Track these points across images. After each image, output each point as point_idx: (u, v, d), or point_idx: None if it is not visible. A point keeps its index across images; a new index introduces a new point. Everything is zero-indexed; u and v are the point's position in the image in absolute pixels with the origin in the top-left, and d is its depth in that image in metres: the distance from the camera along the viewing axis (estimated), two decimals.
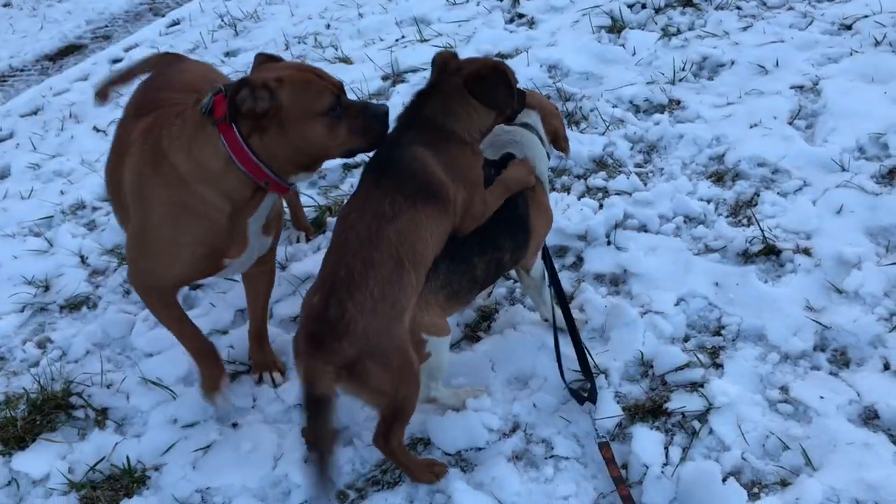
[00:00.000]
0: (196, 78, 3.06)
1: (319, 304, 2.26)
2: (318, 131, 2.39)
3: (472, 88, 2.45)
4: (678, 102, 4.20)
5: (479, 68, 2.48)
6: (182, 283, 2.78)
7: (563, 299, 2.88)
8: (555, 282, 2.91)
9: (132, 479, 2.77)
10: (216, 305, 3.48)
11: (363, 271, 2.26)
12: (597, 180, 3.75)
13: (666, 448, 2.57)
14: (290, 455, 2.73)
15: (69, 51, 7.12)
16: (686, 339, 2.94)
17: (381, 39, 5.62)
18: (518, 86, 2.61)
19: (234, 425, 2.93)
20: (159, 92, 2.92)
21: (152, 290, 2.74)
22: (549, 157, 2.88)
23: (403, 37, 5.57)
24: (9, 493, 2.84)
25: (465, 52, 5.06)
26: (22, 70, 6.86)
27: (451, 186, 2.43)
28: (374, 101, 2.94)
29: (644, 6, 5.06)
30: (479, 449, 2.66)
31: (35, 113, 5.86)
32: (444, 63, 2.56)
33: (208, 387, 2.92)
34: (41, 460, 2.90)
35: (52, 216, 4.37)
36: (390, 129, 2.52)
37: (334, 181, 4.17)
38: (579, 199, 3.65)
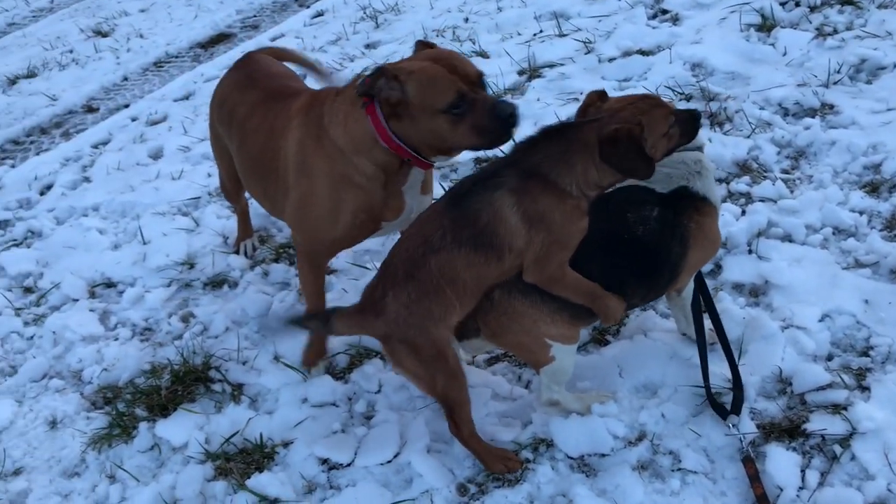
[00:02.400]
0: (284, 70, 3.49)
1: (373, 282, 2.54)
2: (440, 126, 2.51)
3: (603, 151, 2.32)
4: (831, 107, 3.97)
5: (615, 132, 2.31)
6: (343, 245, 3.04)
7: (712, 308, 2.77)
8: (703, 290, 2.80)
9: (262, 454, 2.89)
10: (348, 291, 3.57)
11: (404, 280, 2.44)
12: (739, 185, 3.60)
13: (803, 471, 2.44)
14: (414, 443, 2.77)
15: (219, 39, 7.46)
16: (829, 358, 2.78)
17: (519, 34, 5.59)
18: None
19: (361, 410, 3.00)
20: (282, 80, 3.30)
21: (311, 253, 3.00)
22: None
23: (542, 31, 5.52)
24: (152, 458, 3.02)
25: (603, 49, 4.98)
26: (177, 56, 7.24)
27: (523, 237, 2.37)
28: (506, 99, 2.90)
29: (798, 4, 4.82)
30: (604, 455, 2.62)
31: (187, 98, 6.18)
32: (588, 105, 2.49)
33: (308, 359, 3.14)
34: (181, 429, 3.06)
35: (199, 197, 4.61)
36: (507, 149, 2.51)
37: (465, 175, 4.18)
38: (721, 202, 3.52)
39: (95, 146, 5.69)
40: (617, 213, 2.53)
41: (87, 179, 5.23)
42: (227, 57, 6.74)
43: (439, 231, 2.41)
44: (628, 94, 2.64)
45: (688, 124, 2.49)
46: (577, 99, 4.54)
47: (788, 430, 2.57)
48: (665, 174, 2.58)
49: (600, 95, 2.51)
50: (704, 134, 2.85)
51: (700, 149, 2.64)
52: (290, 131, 2.86)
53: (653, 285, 2.58)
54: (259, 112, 3.09)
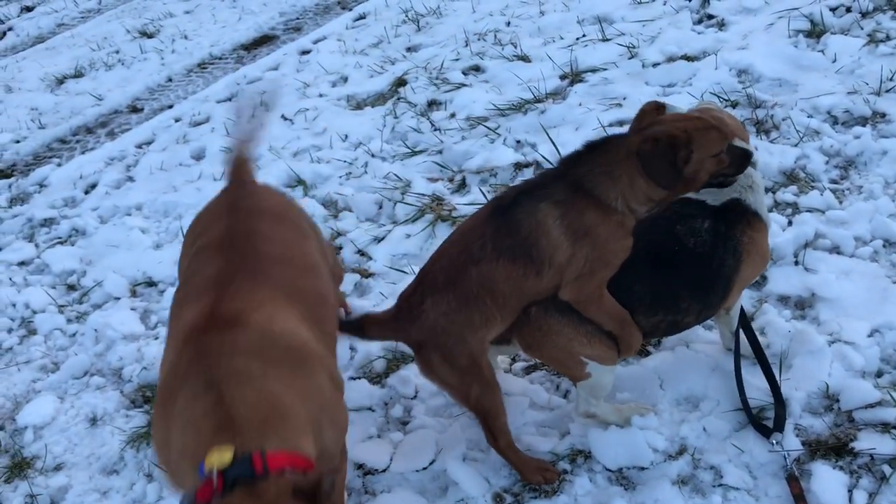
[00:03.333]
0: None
1: (410, 288, 2.52)
2: None
3: (640, 150, 2.27)
4: (883, 115, 3.87)
5: (657, 133, 2.26)
6: None
7: (747, 323, 2.73)
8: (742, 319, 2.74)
9: None
10: (387, 297, 3.56)
11: (445, 287, 2.42)
12: (786, 195, 3.52)
13: (850, 491, 2.38)
14: (451, 451, 2.75)
15: (263, 41, 7.52)
16: (879, 375, 2.70)
17: (562, 38, 5.55)
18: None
19: (397, 415, 2.98)
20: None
21: None
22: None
23: (584, 35, 5.47)
24: None
25: (647, 54, 4.91)
26: (220, 58, 7.31)
27: (564, 251, 2.33)
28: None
29: (849, 10, 4.70)
30: (643, 469, 2.57)
31: (230, 99, 6.23)
32: (642, 116, 2.40)
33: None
34: None
35: None
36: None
37: (505, 180, 4.16)
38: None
39: (139, 146, 5.77)
40: (666, 225, 2.48)
41: (130, 179, 5.30)
42: (271, 59, 6.80)
43: (480, 240, 2.38)
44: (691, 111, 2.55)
45: (738, 158, 2.40)
46: (619, 104, 4.49)
47: (835, 448, 2.50)
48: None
49: (658, 107, 2.43)
50: (751, 142, 2.78)
51: (753, 164, 2.58)
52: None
53: (707, 301, 2.51)
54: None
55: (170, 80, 7.03)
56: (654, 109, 2.41)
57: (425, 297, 2.44)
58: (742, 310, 2.73)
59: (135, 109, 6.61)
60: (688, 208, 2.51)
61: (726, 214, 2.49)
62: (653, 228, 2.45)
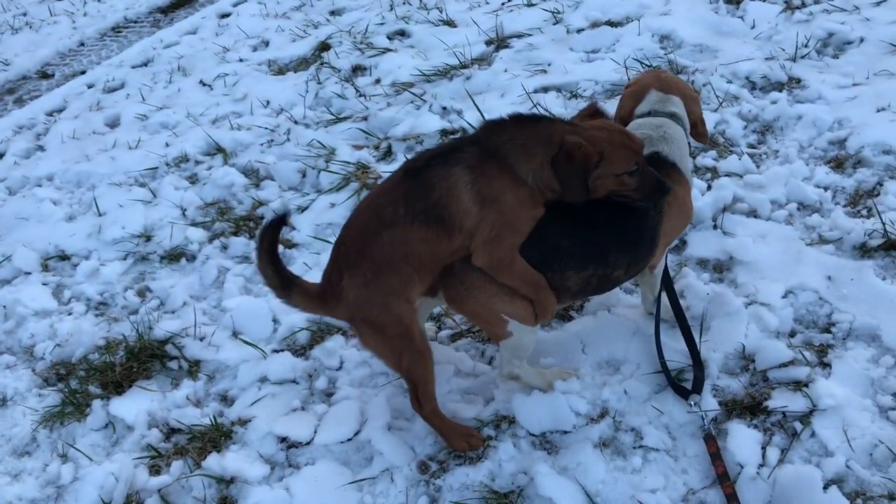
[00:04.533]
0: None
1: (329, 265, 2.49)
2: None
3: (556, 157, 2.26)
4: (798, 81, 3.95)
5: (575, 147, 2.24)
6: None
7: (670, 287, 2.76)
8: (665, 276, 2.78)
9: (220, 432, 2.83)
10: (311, 267, 3.49)
11: (356, 257, 2.39)
12: (706, 159, 3.57)
13: (763, 448, 2.44)
14: (375, 421, 2.73)
15: (180, 4, 7.26)
16: (792, 335, 2.78)
17: (487, 3, 5.51)
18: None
19: (322, 387, 2.94)
20: None
21: None
22: (690, 149, 2.73)
23: (510, 0, 5.43)
24: (105, 436, 2.95)
25: (572, 20, 4.92)
26: (135, 22, 7.04)
27: (473, 216, 2.31)
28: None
29: None
30: (565, 432, 2.60)
31: (146, 64, 6.01)
32: (584, 115, 2.45)
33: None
34: (136, 406, 2.98)
35: (156, 168, 4.48)
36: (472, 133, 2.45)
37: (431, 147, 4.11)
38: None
39: (50, 114, 5.53)
40: None
41: (40, 148, 5.07)
42: (189, 22, 6.58)
43: (392, 205, 2.34)
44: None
45: (648, 184, 2.38)
46: (544, 70, 4.48)
47: (750, 408, 2.56)
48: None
49: (595, 110, 2.46)
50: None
51: (672, 116, 2.60)
52: None
53: (635, 253, 2.52)
54: None
55: (82, 44, 6.74)
56: (587, 112, 2.42)
57: (342, 273, 2.41)
58: (667, 272, 2.76)
59: (45, 75, 6.33)
60: None
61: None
62: None
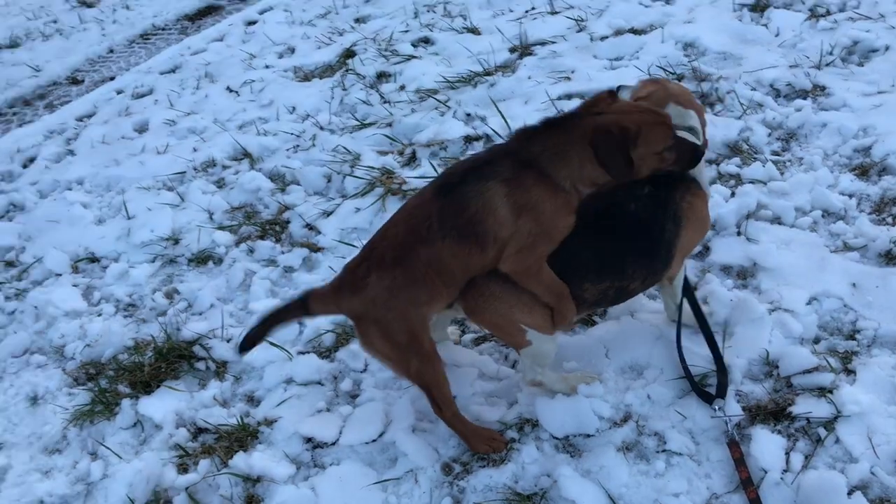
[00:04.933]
0: None
1: (356, 261, 2.50)
2: None
3: (594, 139, 2.29)
4: (823, 88, 3.95)
5: (610, 123, 2.28)
6: None
7: (691, 293, 2.77)
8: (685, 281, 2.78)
9: (246, 432, 2.87)
10: (335, 270, 3.53)
11: (391, 264, 2.40)
12: (730, 166, 3.58)
13: (787, 454, 2.44)
14: (399, 422, 2.76)
15: (208, 11, 7.36)
16: (816, 341, 2.77)
17: (511, 10, 5.54)
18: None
19: (346, 389, 2.98)
20: None
21: None
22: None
23: (534, 8, 5.47)
24: (134, 434, 3.00)
25: (595, 27, 4.93)
26: (163, 29, 7.14)
27: (509, 226, 2.33)
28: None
29: None
30: (588, 436, 2.61)
31: (174, 71, 6.10)
32: (596, 102, 2.40)
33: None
34: (164, 406, 3.04)
35: (184, 172, 4.55)
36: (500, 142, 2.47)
37: (455, 153, 4.15)
38: (710, 185, 3.49)
39: (80, 119, 5.62)
40: (608, 191, 2.50)
41: (71, 153, 5.16)
42: (216, 30, 6.66)
43: (427, 220, 2.37)
44: (641, 103, 2.56)
45: (686, 155, 2.43)
46: (568, 78, 4.50)
47: (774, 413, 2.56)
48: None
49: (611, 93, 2.44)
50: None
51: (691, 130, 2.61)
52: None
53: (651, 266, 2.54)
54: None
55: (111, 51, 6.85)
56: (606, 97, 2.41)
57: (371, 270, 2.43)
58: (686, 279, 2.77)
59: (75, 81, 6.43)
60: None
61: (665, 180, 2.51)
62: (595, 195, 2.46)
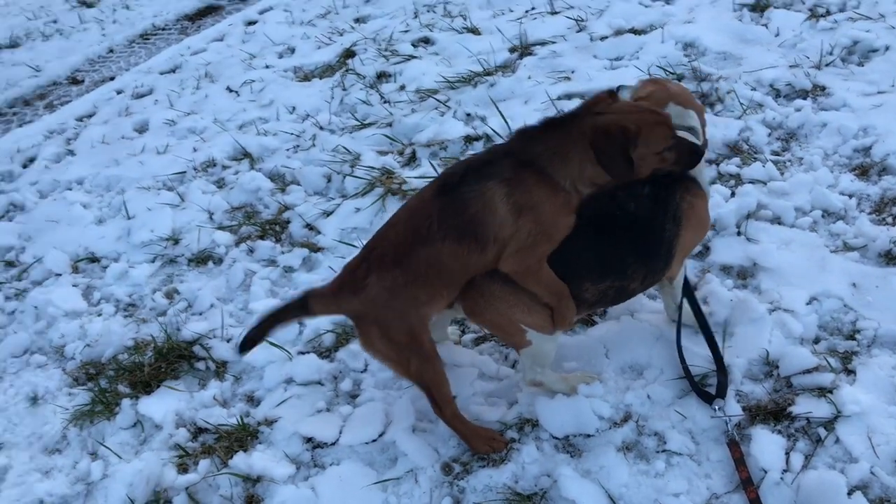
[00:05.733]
0: None
1: (356, 261, 2.50)
2: None
3: (594, 139, 2.28)
4: (823, 88, 3.95)
5: (610, 123, 2.28)
6: None
7: (691, 293, 2.77)
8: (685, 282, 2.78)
9: (246, 432, 2.87)
10: (335, 270, 3.54)
11: (391, 265, 2.41)
12: (730, 166, 3.58)
13: (787, 453, 2.44)
14: (399, 423, 2.76)
15: (207, 11, 7.36)
16: (816, 341, 2.77)
17: (511, 10, 5.54)
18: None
19: (347, 389, 2.98)
20: None
21: None
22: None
23: (534, 8, 5.47)
24: (134, 434, 3.00)
25: (595, 27, 4.93)
26: (163, 29, 7.15)
27: (509, 226, 2.33)
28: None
29: None
30: (588, 436, 2.61)
31: (173, 71, 6.10)
32: (596, 102, 2.39)
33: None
34: (164, 406, 3.03)
35: (184, 172, 4.55)
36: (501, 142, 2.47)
37: (455, 153, 4.15)
38: (710, 185, 3.49)
39: (80, 119, 5.63)
40: (608, 190, 2.50)
41: (71, 153, 5.16)
42: (216, 30, 6.66)
43: (427, 220, 2.37)
44: (641, 103, 2.56)
45: (686, 155, 2.42)
46: (568, 78, 4.50)
47: (774, 413, 2.56)
48: None
49: (610, 94, 2.43)
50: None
51: (691, 130, 2.61)
52: None
53: (651, 265, 2.54)
54: None
55: (111, 51, 6.86)
56: (606, 97, 2.40)
57: (371, 271, 2.43)
58: (686, 280, 2.77)
59: (75, 81, 6.44)
60: None
61: (665, 180, 2.51)
62: (595, 195, 2.46)
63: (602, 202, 2.46)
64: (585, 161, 2.32)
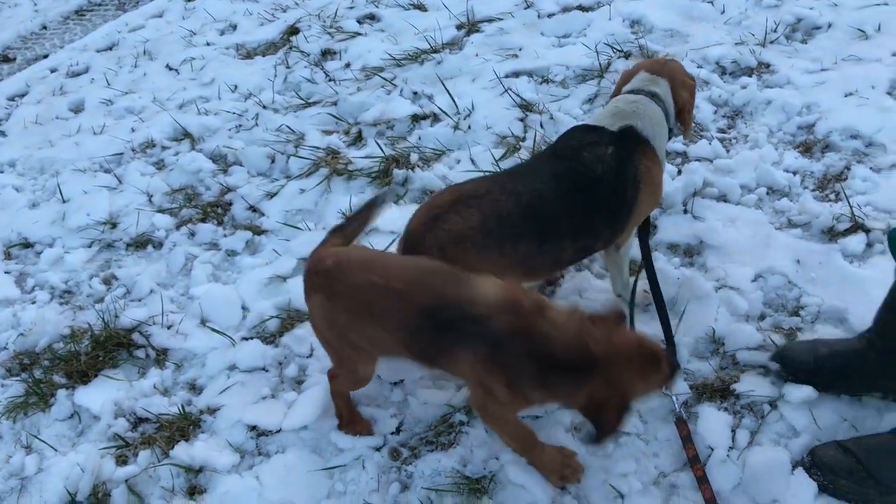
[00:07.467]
0: None
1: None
2: None
3: (588, 412, 2.04)
4: (768, 66, 3.97)
5: (608, 406, 1.99)
6: None
7: (651, 270, 2.73)
8: (645, 254, 2.77)
9: (188, 421, 2.79)
10: (280, 254, 3.45)
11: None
12: (676, 144, 3.57)
13: (733, 431, 2.46)
14: None
15: None
16: (762, 318, 2.79)
17: None
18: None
19: (292, 375, 2.91)
20: None
21: None
22: (671, 134, 2.74)
23: None
24: (71, 426, 2.90)
25: (543, 4, 4.89)
26: (99, 5, 6.90)
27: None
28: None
29: None
30: (537, 417, 2.59)
31: (110, 48, 5.89)
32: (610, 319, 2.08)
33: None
34: (102, 396, 2.93)
35: (122, 153, 4.40)
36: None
37: (402, 132, 4.07)
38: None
39: (11, 98, 5.41)
40: (573, 153, 2.48)
41: (2, 133, 4.96)
42: (154, 5, 6.44)
43: None
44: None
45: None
46: (515, 55, 4.45)
47: (720, 391, 2.58)
48: (612, 111, 2.61)
49: (618, 317, 2.09)
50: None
51: (652, 96, 2.64)
52: None
53: (614, 226, 2.55)
54: None
55: (44, 27, 6.59)
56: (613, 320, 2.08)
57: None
58: (650, 258, 2.74)
59: (6, 59, 6.18)
60: (590, 135, 2.55)
61: (624, 141, 2.53)
62: (562, 153, 2.51)
63: (571, 162, 2.48)
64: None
